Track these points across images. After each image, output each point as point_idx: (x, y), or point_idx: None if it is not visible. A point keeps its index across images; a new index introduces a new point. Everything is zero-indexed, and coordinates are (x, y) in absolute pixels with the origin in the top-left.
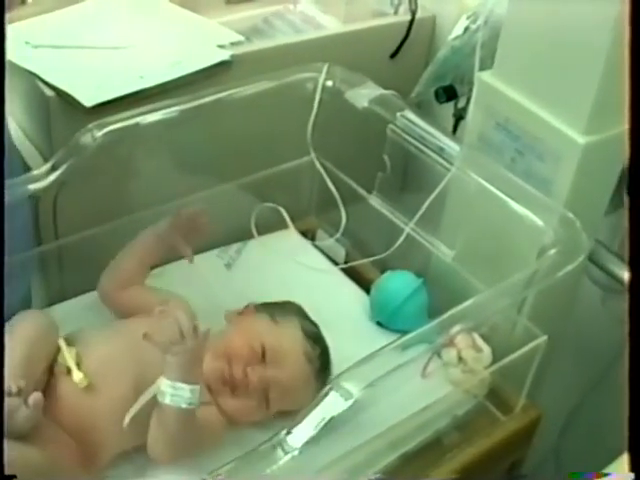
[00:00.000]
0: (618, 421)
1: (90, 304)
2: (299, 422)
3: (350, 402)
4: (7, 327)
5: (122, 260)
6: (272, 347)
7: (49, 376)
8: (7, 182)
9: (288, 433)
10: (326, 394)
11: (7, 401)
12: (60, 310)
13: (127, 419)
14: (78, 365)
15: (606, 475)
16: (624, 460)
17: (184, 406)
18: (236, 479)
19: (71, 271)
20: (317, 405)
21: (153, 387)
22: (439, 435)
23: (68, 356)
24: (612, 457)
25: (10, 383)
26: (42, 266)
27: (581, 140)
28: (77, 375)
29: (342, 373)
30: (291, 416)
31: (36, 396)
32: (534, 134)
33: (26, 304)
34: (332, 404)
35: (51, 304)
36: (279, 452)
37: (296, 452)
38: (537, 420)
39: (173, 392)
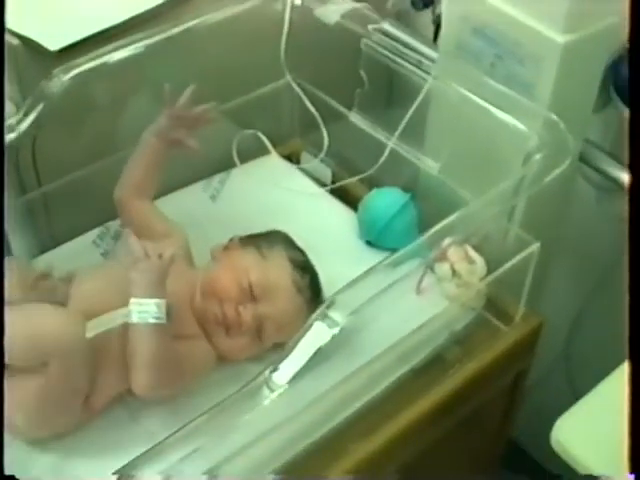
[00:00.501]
0: (625, 319)
1: (81, 249)
2: (284, 357)
3: (336, 330)
4: None
5: (130, 166)
6: (261, 283)
7: None
8: None
9: (273, 370)
10: (310, 325)
11: None
12: (52, 256)
13: (91, 332)
14: None
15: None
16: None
17: (152, 321)
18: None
19: (59, 217)
20: (302, 337)
21: (123, 310)
22: (439, 351)
23: None
24: (622, 358)
25: None
26: (28, 215)
27: (560, 39)
28: None
29: (326, 301)
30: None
31: None
32: (512, 37)
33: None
34: (318, 334)
35: (43, 252)
36: (265, 391)
37: (282, 390)
38: (539, 328)
39: (139, 308)
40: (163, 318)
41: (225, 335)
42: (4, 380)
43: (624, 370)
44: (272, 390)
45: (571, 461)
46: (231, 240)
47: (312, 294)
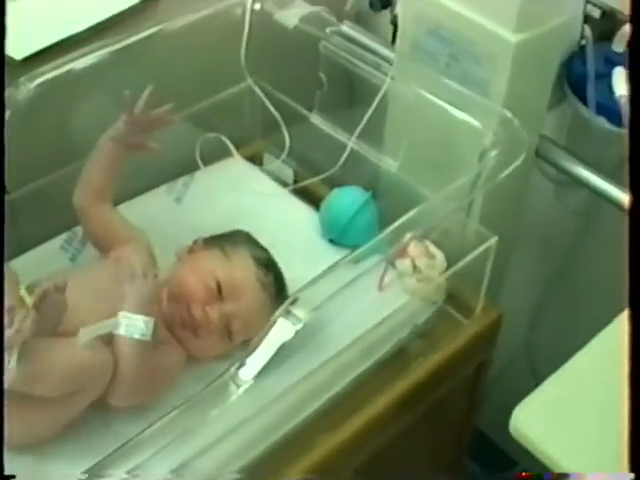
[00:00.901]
0: (583, 307)
1: (49, 255)
2: (250, 353)
3: (299, 326)
4: None
5: (88, 171)
6: (226, 282)
7: None
8: None
9: (240, 367)
10: (274, 322)
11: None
12: (20, 263)
13: (82, 339)
14: None
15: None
16: (622, 320)
17: (137, 336)
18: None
19: (26, 223)
20: (266, 334)
21: (112, 320)
22: (402, 345)
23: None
24: (582, 343)
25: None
26: None
27: (512, 38)
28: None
29: (289, 299)
30: None
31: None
32: (466, 37)
33: None
34: (281, 331)
35: (11, 259)
36: (232, 387)
37: (247, 385)
38: (499, 320)
39: (128, 322)
40: (148, 336)
41: (194, 337)
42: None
43: (579, 358)
44: (238, 386)
45: (530, 447)
46: (195, 242)
47: (276, 290)
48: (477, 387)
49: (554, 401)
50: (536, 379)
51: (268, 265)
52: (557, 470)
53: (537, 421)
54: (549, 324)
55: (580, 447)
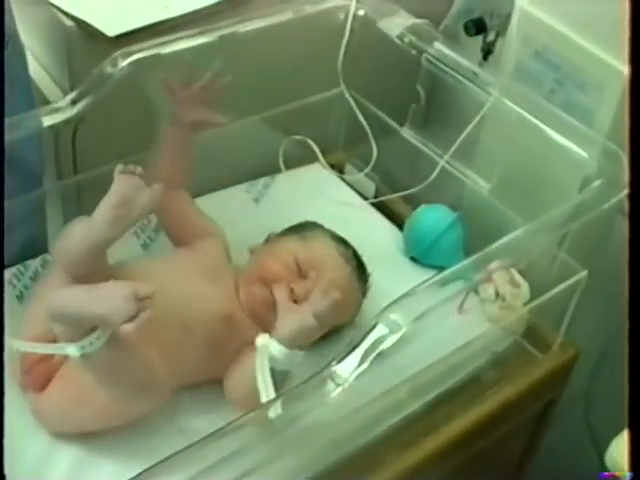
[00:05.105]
0: None
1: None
2: (348, 353)
3: (399, 334)
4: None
5: (156, 162)
6: (308, 259)
7: None
8: (26, 114)
9: (339, 362)
10: (374, 326)
11: (131, 180)
12: None
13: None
14: None
15: None
16: None
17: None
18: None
19: (89, 207)
20: (365, 337)
21: (263, 353)
22: (478, 372)
23: None
24: None
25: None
26: (60, 201)
27: (624, 69)
28: None
29: (389, 305)
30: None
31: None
32: (575, 63)
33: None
34: (380, 336)
35: None
36: (330, 385)
37: (347, 384)
38: (574, 358)
39: (286, 359)
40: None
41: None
42: None
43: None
44: (337, 385)
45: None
46: (268, 237)
47: (358, 264)
48: (541, 426)
49: None
50: (591, 432)
51: (345, 242)
52: None
53: None
54: (610, 375)
55: None
